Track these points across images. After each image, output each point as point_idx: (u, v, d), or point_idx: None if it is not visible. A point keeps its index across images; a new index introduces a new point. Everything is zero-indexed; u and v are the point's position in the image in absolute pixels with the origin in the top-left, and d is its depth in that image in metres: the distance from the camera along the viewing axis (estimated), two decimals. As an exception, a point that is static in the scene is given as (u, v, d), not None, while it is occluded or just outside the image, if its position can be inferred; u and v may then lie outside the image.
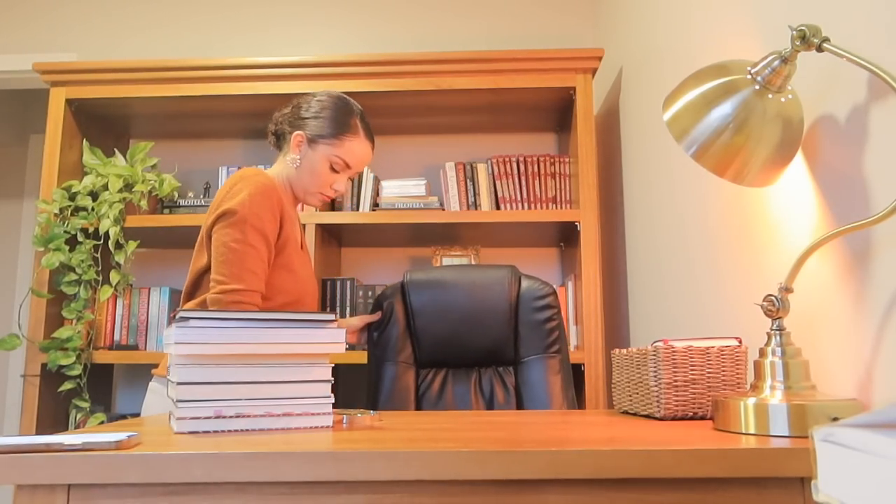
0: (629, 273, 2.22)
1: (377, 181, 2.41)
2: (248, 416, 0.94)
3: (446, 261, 2.45)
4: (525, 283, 1.67)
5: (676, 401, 1.06)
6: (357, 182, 2.40)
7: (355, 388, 2.57)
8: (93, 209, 2.24)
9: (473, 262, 2.43)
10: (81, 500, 0.74)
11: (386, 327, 1.65)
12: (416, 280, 1.67)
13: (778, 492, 0.74)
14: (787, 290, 0.95)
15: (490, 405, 1.61)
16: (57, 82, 2.33)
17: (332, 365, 1.02)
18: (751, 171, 0.99)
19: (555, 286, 2.37)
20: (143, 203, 2.31)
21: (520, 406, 1.60)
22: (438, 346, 1.64)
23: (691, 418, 1.06)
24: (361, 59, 2.26)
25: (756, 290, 1.25)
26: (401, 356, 1.63)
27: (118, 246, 2.26)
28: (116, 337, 2.36)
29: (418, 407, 1.61)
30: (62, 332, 2.16)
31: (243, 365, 0.95)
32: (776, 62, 0.96)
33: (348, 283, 2.35)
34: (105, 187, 2.31)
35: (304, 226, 2.19)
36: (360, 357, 2.07)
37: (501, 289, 1.65)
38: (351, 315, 2.34)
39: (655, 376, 1.07)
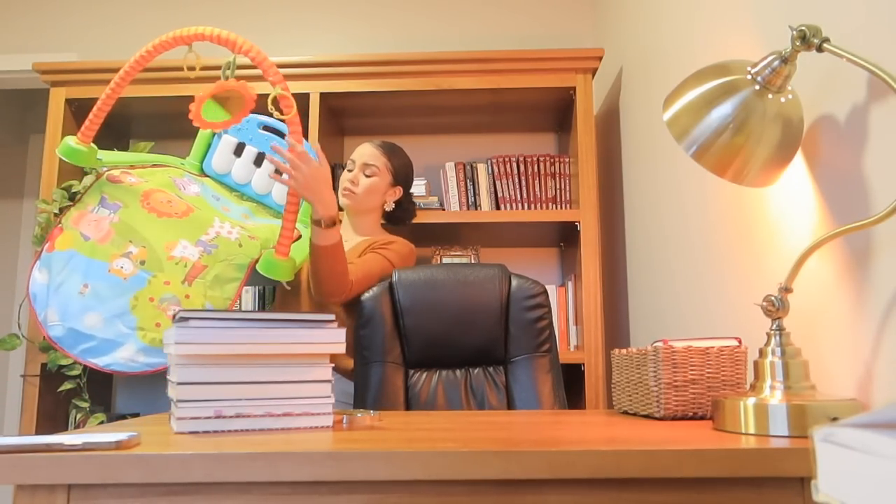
0: (629, 273, 2.22)
1: (377, 181, 2.41)
2: (248, 416, 0.94)
3: (446, 261, 2.44)
4: (515, 282, 1.65)
5: (676, 401, 1.06)
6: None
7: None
8: (93, 209, 2.24)
9: (473, 262, 2.42)
10: (81, 500, 0.74)
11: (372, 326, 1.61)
12: (406, 278, 1.64)
13: (778, 492, 0.74)
14: (786, 290, 0.95)
15: (482, 405, 1.58)
16: (57, 82, 2.32)
17: (333, 365, 1.02)
18: (751, 171, 0.99)
19: (554, 286, 2.38)
20: (143, 203, 2.31)
21: (511, 406, 1.58)
22: (428, 345, 1.61)
23: (691, 418, 1.06)
24: (362, 59, 2.26)
25: (756, 290, 1.25)
26: (389, 356, 1.59)
27: (118, 246, 2.25)
28: (116, 337, 2.35)
29: (407, 408, 1.58)
30: (62, 332, 2.15)
31: (243, 365, 0.95)
32: (776, 62, 0.96)
33: (348, 283, 2.34)
34: (105, 187, 2.30)
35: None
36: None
37: (492, 287, 1.63)
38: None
39: (655, 376, 1.07)
